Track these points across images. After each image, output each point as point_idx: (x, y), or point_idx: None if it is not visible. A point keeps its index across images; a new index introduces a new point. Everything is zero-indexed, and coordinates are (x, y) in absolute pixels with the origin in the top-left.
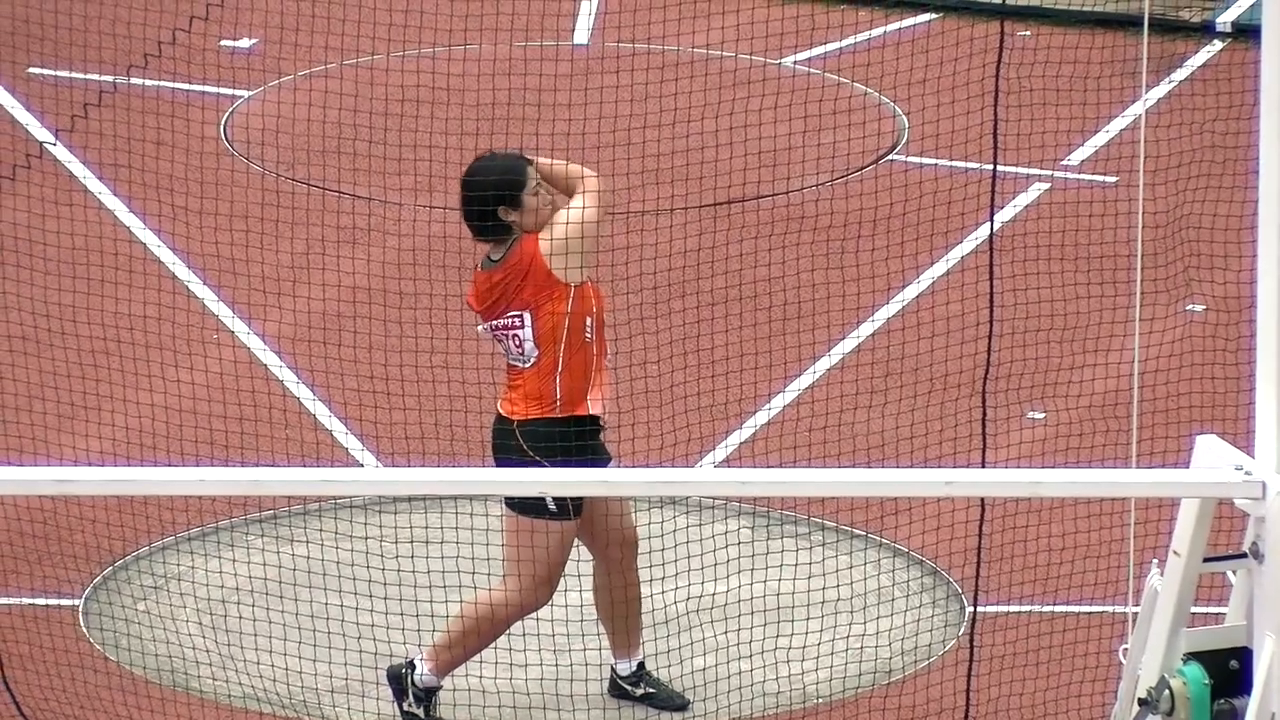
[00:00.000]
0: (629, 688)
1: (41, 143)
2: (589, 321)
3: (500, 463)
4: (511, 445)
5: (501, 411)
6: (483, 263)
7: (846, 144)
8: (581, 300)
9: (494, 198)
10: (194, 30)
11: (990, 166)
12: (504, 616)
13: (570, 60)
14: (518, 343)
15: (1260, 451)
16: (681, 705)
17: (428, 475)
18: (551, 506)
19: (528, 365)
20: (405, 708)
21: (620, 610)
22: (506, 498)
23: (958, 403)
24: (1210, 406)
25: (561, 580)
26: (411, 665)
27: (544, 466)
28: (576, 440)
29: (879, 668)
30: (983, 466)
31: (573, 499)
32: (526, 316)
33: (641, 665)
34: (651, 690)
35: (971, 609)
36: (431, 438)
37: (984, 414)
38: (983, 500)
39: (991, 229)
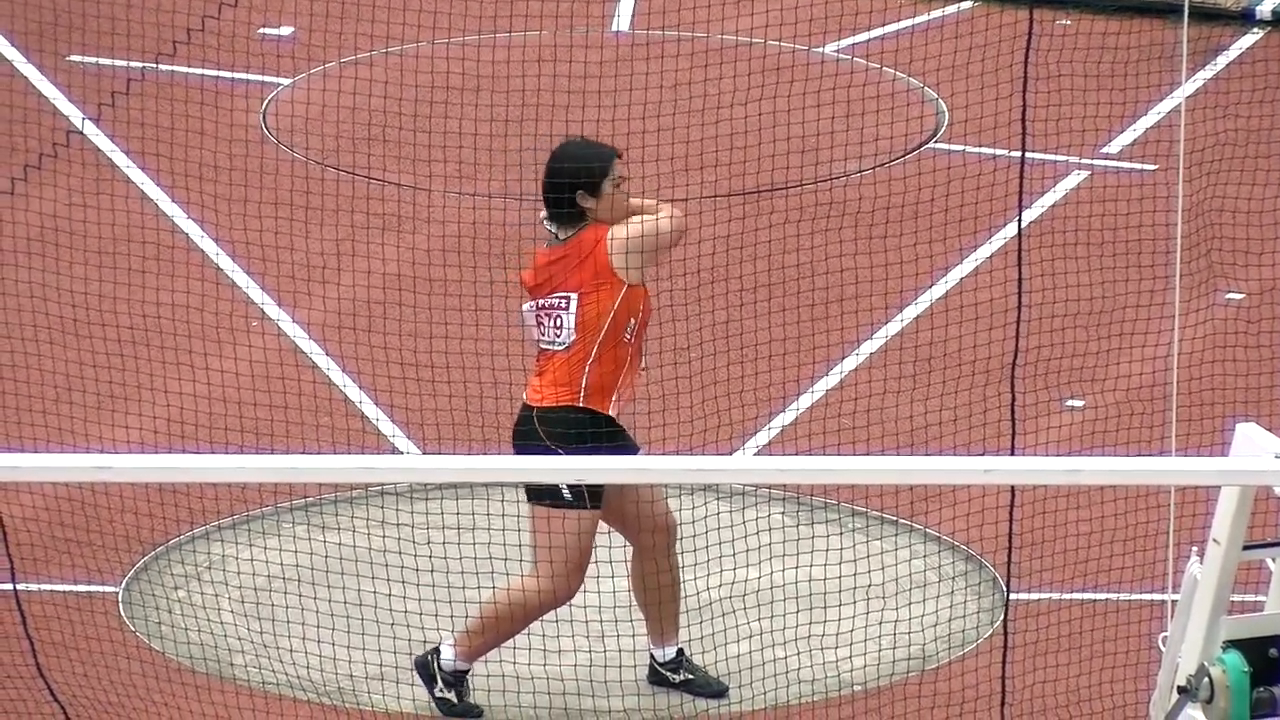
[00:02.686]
0: (668, 674)
1: (69, 130)
2: (632, 323)
3: (518, 449)
4: (528, 430)
5: (526, 399)
6: (549, 240)
7: (884, 131)
8: (630, 300)
9: (573, 182)
10: (234, 18)
11: (1029, 154)
12: (536, 604)
13: (606, 48)
14: (558, 324)
15: None
16: (719, 692)
17: (465, 463)
18: (566, 495)
19: (559, 349)
20: (437, 694)
21: (655, 597)
22: (525, 487)
23: (989, 389)
24: (1249, 390)
25: (597, 567)
26: (436, 651)
27: (559, 454)
28: (591, 430)
29: (915, 654)
30: (1012, 454)
31: (589, 489)
32: (573, 300)
33: (680, 652)
34: (690, 677)
35: (1007, 595)
36: (466, 425)
37: (1013, 400)
38: (1013, 487)
39: (1020, 216)
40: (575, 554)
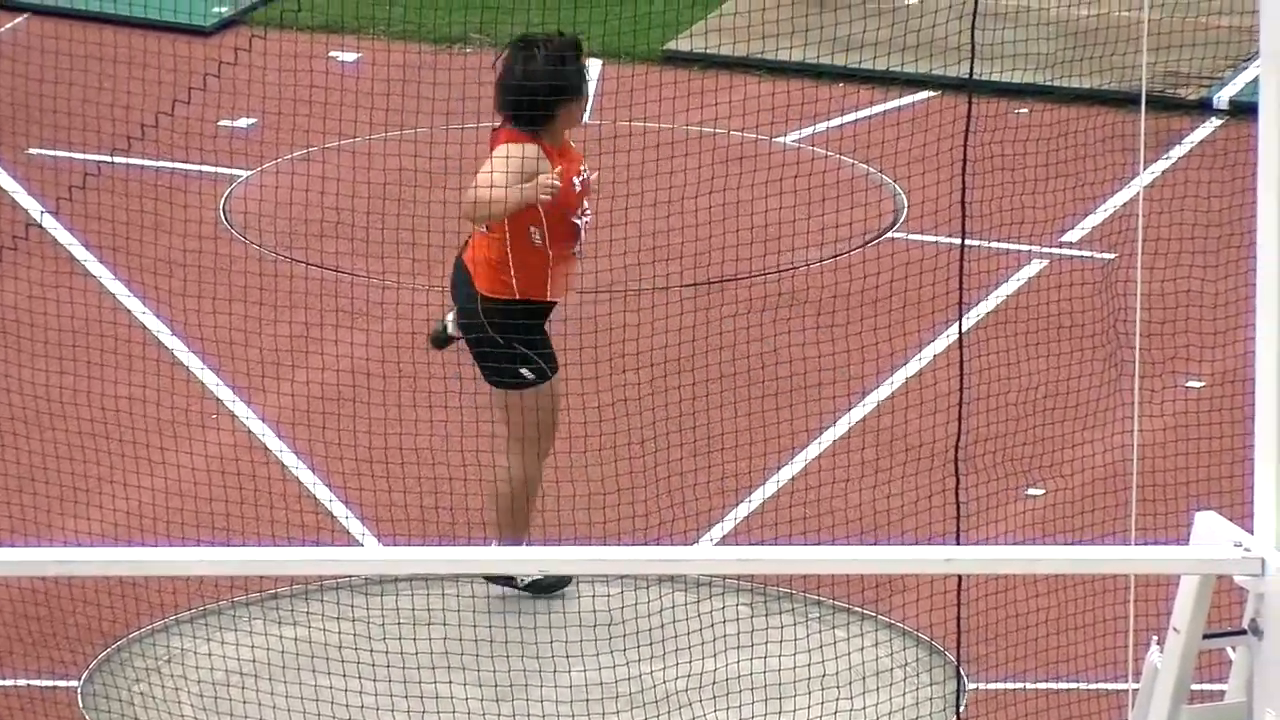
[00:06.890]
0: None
1: (28, 223)
2: (533, 230)
3: (465, 328)
4: (474, 312)
5: (465, 261)
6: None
7: (842, 220)
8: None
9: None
10: (192, 112)
11: (991, 243)
12: (522, 478)
13: None
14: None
15: (1259, 528)
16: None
17: (427, 554)
18: (528, 375)
19: (481, 230)
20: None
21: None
22: (486, 376)
23: (949, 478)
24: (1209, 480)
25: (554, 662)
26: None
27: (500, 340)
28: (526, 320)
29: None
30: (958, 542)
31: (549, 363)
32: None
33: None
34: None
35: (959, 685)
36: (431, 520)
37: (957, 485)
38: (960, 576)
39: (960, 304)
40: (548, 419)
